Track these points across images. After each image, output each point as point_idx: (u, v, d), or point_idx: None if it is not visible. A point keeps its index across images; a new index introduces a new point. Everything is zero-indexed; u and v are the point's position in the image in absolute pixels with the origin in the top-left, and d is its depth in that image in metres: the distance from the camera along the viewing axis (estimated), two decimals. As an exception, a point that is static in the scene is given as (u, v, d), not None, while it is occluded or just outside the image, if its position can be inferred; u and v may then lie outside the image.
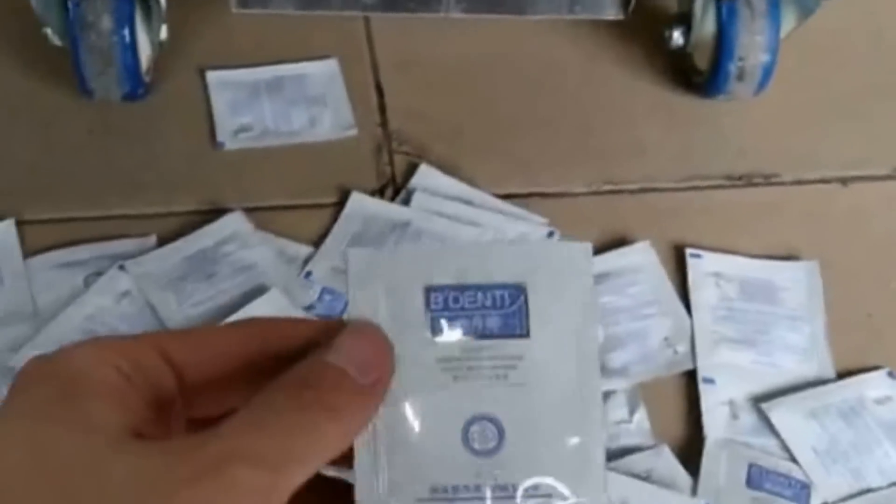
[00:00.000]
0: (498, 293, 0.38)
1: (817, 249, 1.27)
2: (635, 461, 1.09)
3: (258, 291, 1.19)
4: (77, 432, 0.33)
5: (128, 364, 0.36)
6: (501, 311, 0.38)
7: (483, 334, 0.38)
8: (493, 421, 0.37)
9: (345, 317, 0.38)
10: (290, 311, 1.16)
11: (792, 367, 1.17)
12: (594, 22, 1.46)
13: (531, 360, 0.38)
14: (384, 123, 1.40)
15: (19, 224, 1.24)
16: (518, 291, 0.38)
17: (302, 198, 1.31)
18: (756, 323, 1.20)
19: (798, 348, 1.18)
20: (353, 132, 1.38)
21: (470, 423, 0.37)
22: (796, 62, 1.42)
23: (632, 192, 1.34)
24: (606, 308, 1.20)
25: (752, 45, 1.32)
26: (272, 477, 0.33)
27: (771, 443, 1.10)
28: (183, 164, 1.34)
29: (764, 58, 1.33)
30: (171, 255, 1.22)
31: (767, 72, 1.34)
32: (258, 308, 1.15)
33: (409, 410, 0.37)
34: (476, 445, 0.37)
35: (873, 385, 1.15)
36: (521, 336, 0.38)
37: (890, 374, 1.16)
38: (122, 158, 1.34)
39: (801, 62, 1.44)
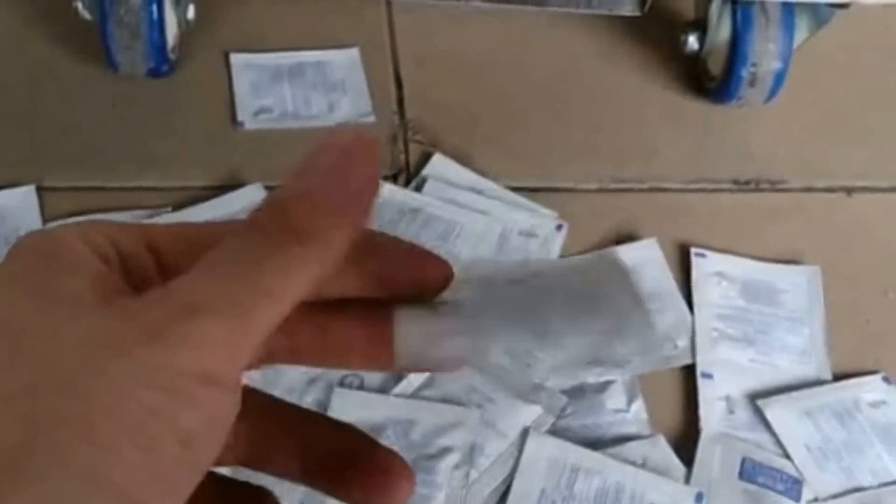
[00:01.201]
0: None
1: (819, 255, 1.26)
2: (631, 449, 1.08)
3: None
4: (42, 300, 0.30)
5: (111, 248, 0.32)
6: None
7: None
8: None
9: None
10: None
11: (789, 367, 1.16)
12: (610, 23, 1.46)
13: None
14: (401, 112, 1.39)
15: (40, 190, 1.23)
16: None
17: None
18: (756, 323, 1.19)
19: (796, 349, 1.17)
20: (371, 119, 1.38)
21: None
22: (807, 73, 1.41)
23: (641, 190, 1.33)
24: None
25: (765, 52, 1.31)
26: (238, 322, 0.29)
27: (765, 438, 1.09)
28: (202, 140, 1.34)
29: (776, 65, 1.32)
30: (184, 219, 1.22)
31: (779, 79, 1.33)
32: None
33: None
34: None
35: (868, 389, 1.14)
36: None
37: (885, 379, 1.15)
38: (143, 132, 1.34)
39: (812, 73, 1.43)
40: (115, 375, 0.28)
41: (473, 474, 1.04)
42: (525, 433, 1.06)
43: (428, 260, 0.34)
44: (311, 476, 0.36)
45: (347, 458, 0.36)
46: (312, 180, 0.32)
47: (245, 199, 1.24)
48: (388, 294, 0.34)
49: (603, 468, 1.04)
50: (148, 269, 0.33)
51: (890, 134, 1.42)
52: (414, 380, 1.10)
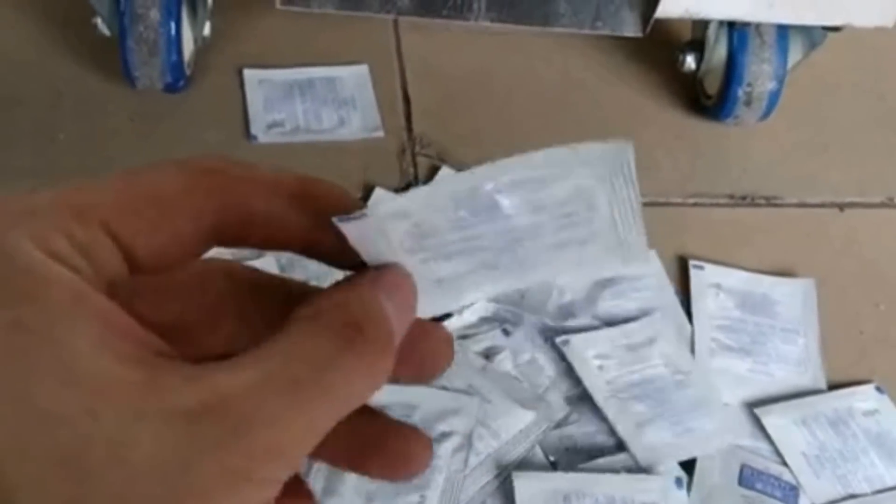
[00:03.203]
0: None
1: (813, 269, 1.25)
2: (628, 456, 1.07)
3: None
4: (73, 393, 0.27)
5: (79, 256, 0.29)
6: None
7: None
8: None
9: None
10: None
11: (785, 377, 1.15)
12: (612, 43, 1.45)
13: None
14: (409, 127, 1.38)
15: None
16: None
17: (328, 192, 1.29)
18: (753, 333, 1.18)
19: (792, 359, 1.16)
20: (380, 134, 1.36)
21: None
22: (801, 93, 1.41)
23: (641, 205, 1.32)
24: (612, 310, 1.18)
25: (760, 73, 1.31)
26: (300, 462, 0.29)
27: (763, 446, 1.09)
28: (215, 152, 1.32)
29: (771, 85, 1.31)
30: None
31: (773, 98, 1.33)
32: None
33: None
34: None
35: (862, 398, 1.13)
36: None
37: (878, 389, 1.14)
38: (159, 145, 1.32)
39: (805, 93, 1.43)
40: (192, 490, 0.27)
41: (473, 459, 1.03)
42: (508, 468, 1.04)
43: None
44: (333, 458, 0.35)
45: (367, 438, 0.35)
46: (394, 300, 0.31)
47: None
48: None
49: (592, 486, 1.02)
50: (113, 258, 0.30)
51: (880, 152, 1.41)
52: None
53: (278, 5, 1.11)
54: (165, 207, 0.31)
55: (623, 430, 1.08)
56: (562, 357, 1.13)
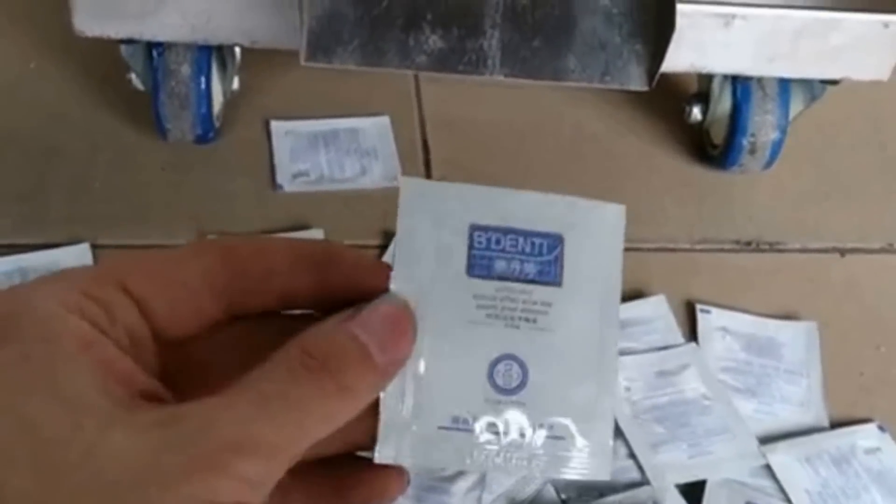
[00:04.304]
0: (538, 241, 0.37)
1: (816, 312, 1.27)
2: (640, 494, 1.08)
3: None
4: (60, 408, 0.29)
5: (97, 310, 0.32)
6: (539, 258, 0.37)
7: (519, 278, 0.37)
8: (518, 362, 0.36)
9: (389, 249, 0.37)
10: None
11: (789, 416, 1.17)
12: (622, 95, 1.48)
13: (560, 308, 0.37)
14: (428, 175, 1.41)
15: (94, 248, 1.25)
16: (556, 242, 0.37)
17: (349, 238, 1.32)
18: (759, 375, 1.20)
19: (796, 400, 1.18)
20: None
21: (497, 360, 0.36)
22: (804, 142, 1.43)
23: (650, 250, 1.34)
24: (620, 352, 1.20)
25: (763, 123, 1.33)
26: (268, 464, 0.30)
27: (768, 484, 1.10)
28: (243, 201, 1.35)
29: (774, 135, 1.34)
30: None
31: (776, 148, 1.35)
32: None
33: (440, 341, 0.35)
34: (500, 382, 0.36)
35: (864, 436, 1.15)
36: (554, 284, 0.37)
37: (880, 428, 1.16)
38: (189, 194, 1.35)
39: (808, 142, 1.45)
40: None
41: (486, 497, 1.05)
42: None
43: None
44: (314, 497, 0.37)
45: (345, 475, 0.37)
46: (369, 335, 0.33)
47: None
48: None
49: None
50: (132, 316, 0.33)
51: (880, 198, 1.44)
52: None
53: (303, 62, 1.14)
54: (176, 267, 0.35)
55: (637, 448, 1.10)
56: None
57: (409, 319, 0.35)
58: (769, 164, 1.38)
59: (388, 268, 0.36)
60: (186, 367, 0.35)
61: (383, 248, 1.30)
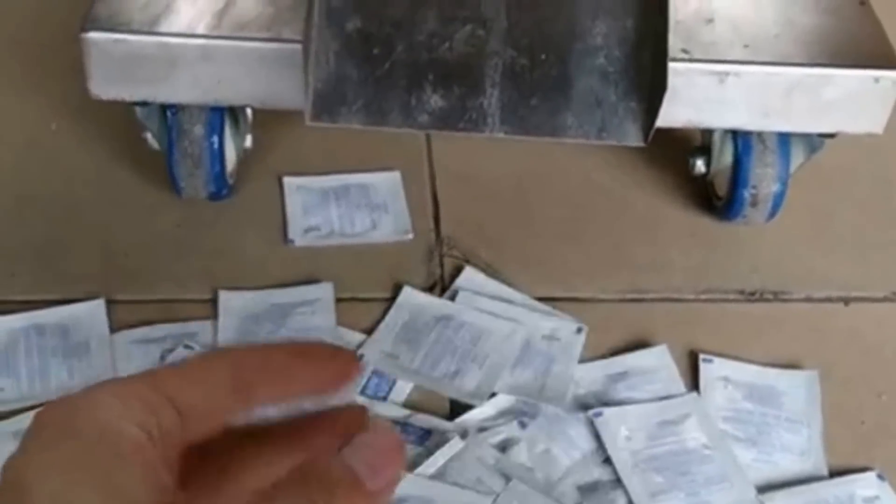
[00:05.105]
0: None
1: (818, 360, 1.29)
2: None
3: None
4: (114, 501, 0.32)
5: (149, 418, 0.35)
6: None
7: None
8: None
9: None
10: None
11: (790, 466, 1.18)
12: (628, 148, 1.51)
13: None
14: (437, 230, 1.45)
15: (109, 303, 1.29)
16: None
17: (360, 291, 1.35)
18: (759, 424, 1.22)
19: (796, 448, 1.20)
20: (410, 236, 1.43)
21: None
22: (807, 191, 1.46)
23: (654, 300, 1.37)
24: (626, 402, 1.23)
25: (764, 176, 1.36)
26: None
27: (768, 532, 1.12)
28: (255, 256, 1.39)
29: (775, 187, 1.37)
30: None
31: (778, 200, 1.38)
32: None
33: None
34: None
35: (863, 485, 1.16)
36: None
37: (879, 476, 1.17)
38: (203, 249, 1.39)
39: (810, 193, 1.48)
40: None
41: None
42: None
43: None
44: None
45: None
46: (364, 470, 0.36)
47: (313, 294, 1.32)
48: None
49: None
50: (175, 425, 0.36)
51: (882, 248, 1.46)
52: (436, 460, 1.14)
53: (308, 122, 1.19)
54: (202, 373, 0.39)
55: (636, 498, 1.12)
56: (590, 436, 1.18)
57: (397, 439, 0.38)
58: (772, 215, 1.40)
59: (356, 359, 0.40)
60: (202, 467, 0.38)
61: (392, 300, 1.33)
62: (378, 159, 1.52)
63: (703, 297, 1.38)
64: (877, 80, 1.20)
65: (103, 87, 1.25)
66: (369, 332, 1.29)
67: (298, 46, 1.18)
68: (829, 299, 1.39)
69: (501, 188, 1.51)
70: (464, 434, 1.16)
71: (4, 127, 1.55)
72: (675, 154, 1.50)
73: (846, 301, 1.38)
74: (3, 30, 1.70)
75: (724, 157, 1.39)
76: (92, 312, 1.27)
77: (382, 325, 1.29)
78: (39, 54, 1.65)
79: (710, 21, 1.28)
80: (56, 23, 1.63)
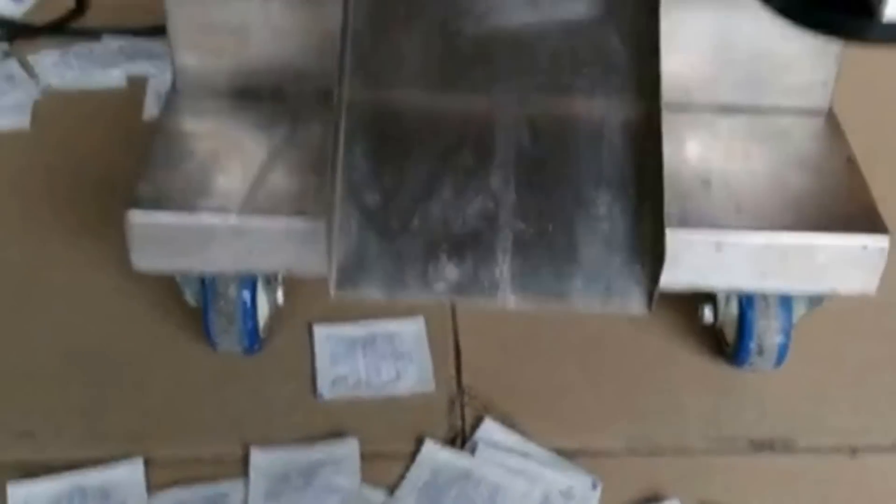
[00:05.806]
0: None
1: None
2: None
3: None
4: None
5: None
6: None
7: None
8: None
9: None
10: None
11: None
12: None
13: None
14: (459, 379, 1.52)
15: (146, 463, 1.36)
16: None
17: (383, 444, 1.42)
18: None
19: None
20: (432, 387, 1.50)
21: None
22: (816, 336, 1.51)
23: (666, 452, 1.43)
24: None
25: (767, 328, 1.42)
26: None
27: None
28: (285, 409, 1.46)
29: (778, 339, 1.43)
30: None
31: (783, 350, 1.44)
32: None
33: None
34: None
35: None
36: None
37: None
38: (236, 402, 1.46)
39: (820, 335, 1.53)
40: None
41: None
42: None
43: None
44: None
45: None
46: None
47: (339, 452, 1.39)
48: None
49: None
50: None
51: (890, 394, 1.51)
52: None
53: (332, 294, 1.27)
54: None
55: None
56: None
57: None
58: (778, 363, 1.47)
59: None
60: None
61: (414, 453, 1.40)
62: (404, 307, 1.59)
63: (714, 447, 1.44)
64: (864, 247, 1.27)
65: (144, 261, 1.33)
66: (392, 489, 1.36)
67: (322, 221, 1.27)
68: (836, 448, 1.43)
69: (518, 338, 1.57)
70: None
71: (54, 276, 1.64)
72: (686, 301, 1.56)
73: (853, 451, 1.43)
74: (60, 178, 1.81)
75: (731, 308, 1.46)
76: (130, 474, 1.34)
77: (405, 483, 1.36)
78: (90, 203, 1.75)
79: (707, 182, 1.35)
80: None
